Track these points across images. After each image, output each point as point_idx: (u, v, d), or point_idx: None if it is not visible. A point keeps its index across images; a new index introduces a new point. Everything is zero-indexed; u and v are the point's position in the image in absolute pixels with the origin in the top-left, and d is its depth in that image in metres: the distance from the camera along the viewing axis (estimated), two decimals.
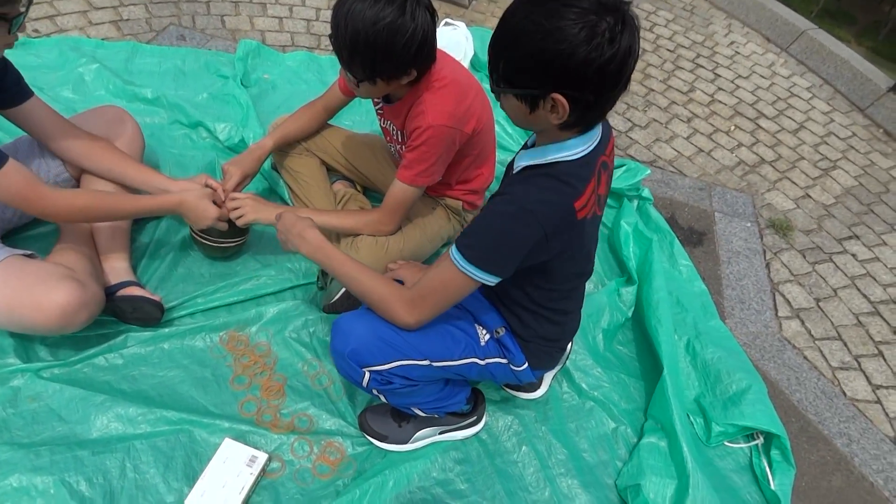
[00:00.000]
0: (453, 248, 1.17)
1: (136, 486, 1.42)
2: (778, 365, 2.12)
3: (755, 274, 2.45)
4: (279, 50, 2.89)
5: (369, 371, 1.27)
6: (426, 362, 1.30)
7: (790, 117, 3.45)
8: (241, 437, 1.53)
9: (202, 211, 1.67)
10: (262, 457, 1.48)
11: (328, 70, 2.82)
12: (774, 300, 2.37)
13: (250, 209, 1.73)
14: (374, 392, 1.34)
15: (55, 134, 1.65)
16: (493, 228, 1.13)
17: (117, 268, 1.72)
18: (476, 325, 1.41)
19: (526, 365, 1.41)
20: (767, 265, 2.53)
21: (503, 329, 1.39)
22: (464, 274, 1.16)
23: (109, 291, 1.65)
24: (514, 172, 1.21)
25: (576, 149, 1.13)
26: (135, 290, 1.67)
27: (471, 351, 1.37)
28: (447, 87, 1.59)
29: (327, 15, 3.18)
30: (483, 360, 1.39)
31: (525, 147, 1.23)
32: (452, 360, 1.34)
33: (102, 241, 1.75)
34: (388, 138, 1.89)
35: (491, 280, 1.17)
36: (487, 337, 1.40)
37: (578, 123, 1.10)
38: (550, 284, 1.31)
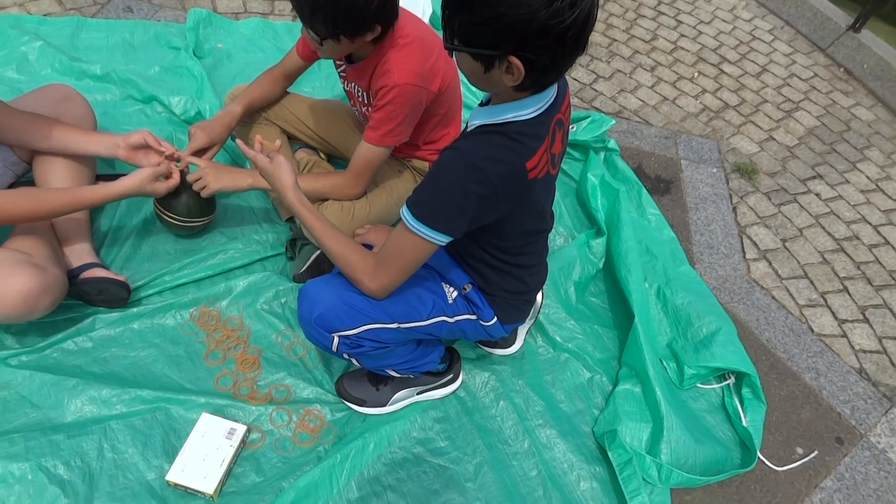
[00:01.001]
0: (404, 207, 1.16)
1: (115, 466, 1.41)
2: (747, 306, 2.16)
3: (722, 219, 2.48)
4: (232, 17, 2.80)
5: (338, 336, 1.27)
6: (394, 325, 1.31)
7: (753, 61, 3.45)
8: (219, 412, 1.53)
9: (149, 192, 1.63)
10: (241, 428, 1.49)
11: (284, 36, 2.74)
12: (742, 243, 2.41)
13: (212, 178, 1.67)
14: (346, 356, 1.34)
15: None
16: (440, 184, 1.12)
17: (79, 250, 1.68)
18: (443, 283, 1.41)
19: (495, 319, 1.42)
20: (734, 209, 2.56)
21: (470, 285, 1.39)
22: (416, 235, 1.15)
23: (72, 274, 1.62)
24: (467, 130, 1.19)
25: (530, 108, 1.12)
26: (99, 272, 1.64)
27: (439, 310, 1.37)
28: (411, 44, 1.55)
29: None
30: (452, 317, 1.39)
31: (481, 105, 1.22)
32: (421, 321, 1.35)
33: (61, 224, 1.70)
34: (353, 101, 1.85)
35: (442, 239, 1.16)
36: (455, 294, 1.40)
37: (534, 86, 1.08)
38: (504, 242, 1.31)
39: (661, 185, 2.59)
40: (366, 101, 1.75)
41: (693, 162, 2.73)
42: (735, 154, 2.84)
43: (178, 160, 1.71)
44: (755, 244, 2.42)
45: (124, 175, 1.90)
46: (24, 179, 1.77)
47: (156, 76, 2.37)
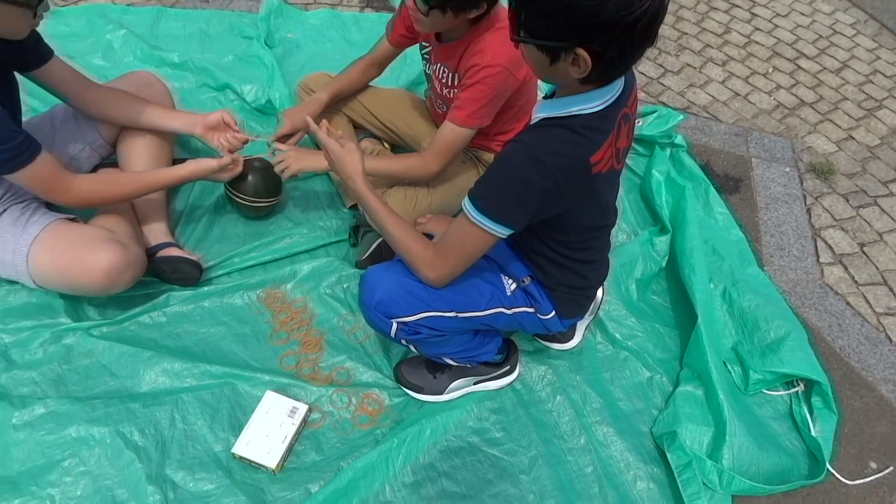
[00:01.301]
0: (466, 199, 1.16)
1: (185, 436, 1.48)
2: (819, 312, 2.08)
3: (795, 220, 2.39)
4: (302, 8, 2.87)
5: (397, 322, 1.30)
6: (452, 314, 1.32)
7: (832, 56, 3.29)
8: (282, 390, 1.58)
9: (213, 178, 1.73)
10: (303, 408, 1.53)
11: (351, 27, 2.79)
12: (816, 246, 2.31)
13: (294, 160, 1.74)
14: (404, 342, 1.36)
15: (77, 90, 1.67)
16: (504, 177, 1.12)
17: (156, 230, 1.77)
18: (502, 274, 1.41)
19: (553, 313, 1.42)
20: (808, 210, 2.46)
21: (529, 278, 1.39)
22: (477, 226, 1.15)
23: (150, 253, 1.70)
24: (532, 123, 1.19)
25: (595, 101, 1.10)
26: (174, 251, 1.72)
27: (497, 301, 1.37)
28: (506, 28, 1.56)
29: None
30: (510, 309, 1.39)
31: (546, 97, 1.21)
32: (479, 312, 1.35)
33: (141, 204, 1.79)
34: (435, 83, 1.85)
35: (503, 231, 1.16)
36: (514, 286, 1.40)
37: (601, 78, 1.07)
38: (566, 237, 1.30)
39: (730, 183, 2.51)
40: (450, 83, 1.75)
41: (765, 160, 2.63)
42: (810, 153, 2.72)
43: (245, 143, 1.82)
44: (830, 248, 2.32)
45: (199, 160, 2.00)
46: (108, 162, 1.87)
47: (229, 65, 2.46)
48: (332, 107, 2.05)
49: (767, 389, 1.80)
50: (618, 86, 1.13)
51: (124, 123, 1.77)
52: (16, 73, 1.54)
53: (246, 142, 1.82)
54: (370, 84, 2.10)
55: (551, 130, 1.12)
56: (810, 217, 2.43)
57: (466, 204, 1.16)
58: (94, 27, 2.46)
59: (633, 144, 2.41)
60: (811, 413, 1.73)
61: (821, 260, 2.26)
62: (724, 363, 1.83)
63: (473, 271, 1.34)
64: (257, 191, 1.83)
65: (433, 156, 1.72)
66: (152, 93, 1.86)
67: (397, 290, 1.29)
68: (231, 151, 1.76)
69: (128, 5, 2.66)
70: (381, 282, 1.30)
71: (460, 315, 1.34)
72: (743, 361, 1.83)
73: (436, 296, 1.30)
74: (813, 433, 1.68)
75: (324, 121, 1.53)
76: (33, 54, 1.55)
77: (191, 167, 1.69)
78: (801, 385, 1.80)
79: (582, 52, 0.98)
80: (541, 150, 1.09)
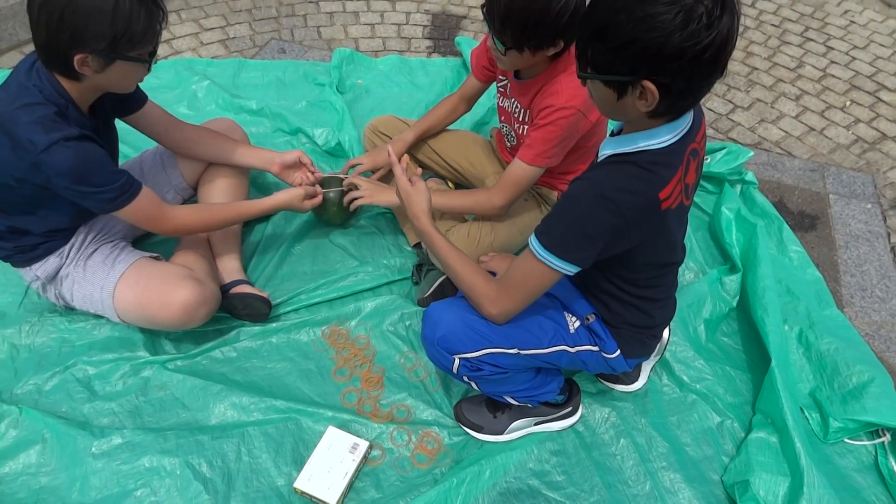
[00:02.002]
0: (532, 236, 1.17)
1: (250, 469, 1.52)
2: None
3: (878, 259, 2.26)
4: (371, 55, 2.99)
5: (459, 358, 1.30)
6: (514, 351, 1.31)
7: None
8: (343, 426, 1.61)
9: (296, 208, 1.84)
10: (364, 444, 1.55)
11: (418, 72, 2.88)
12: None
13: (367, 194, 1.86)
14: (465, 379, 1.37)
15: (167, 128, 1.80)
16: (571, 215, 1.12)
17: (230, 268, 1.86)
18: (565, 312, 1.40)
19: (618, 352, 1.39)
20: (892, 249, 2.33)
21: (593, 316, 1.37)
22: (542, 263, 1.16)
23: (223, 290, 1.78)
24: (597, 160, 1.19)
25: (663, 137, 1.09)
26: (245, 288, 1.80)
27: (559, 339, 1.36)
28: None
29: (417, 18, 3.26)
30: (573, 347, 1.38)
31: (612, 135, 1.21)
32: (541, 349, 1.34)
33: (217, 243, 1.89)
34: (506, 118, 1.90)
35: (570, 269, 1.16)
36: (577, 324, 1.38)
37: (669, 112, 1.06)
38: (633, 274, 1.28)
39: (806, 220, 2.41)
40: (521, 119, 1.79)
41: (843, 197, 2.52)
42: (894, 189, 2.59)
43: (319, 181, 1.96)
44: None
45: None
46: (189, 203, 1.99)
47: (302, 110, 2.58)
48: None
49: (849, 438, 1.69)
50: (686, 120, 1.12)
51: (210, 159, 1.91)
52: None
53: (321, 179, 1.96)
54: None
55: (619, 167, 1.12)
56: (895, 256, 2.29)
57: (533, 241, 1.17)
58: (181, 79, 2.65)
59: (701, 181, 2.37)
60: None
61: None
62: (801, 409, 1.73)
63: (536, 308, 1.34)
64: (332, 219, 2.01)
65: (500, 191, 1.75)
66: (231, 136, 1.98)
67: (460, 325, 1.30)
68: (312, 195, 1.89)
69: (212, 58, 2.85)
70: (443, 317, 1.32)
71: (522, 352, 1.34)
72: (822, 408, 1.73)
73: (498, 332, 1.31)
74: None
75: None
76: (132, 100, 1.70)
77: (279, 197, 1.81)
78: (887, 435, 1.68)
79: (649, 85, 0.98)
80: (609, 187, 1.09)
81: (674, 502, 1.55)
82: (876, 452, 1.68)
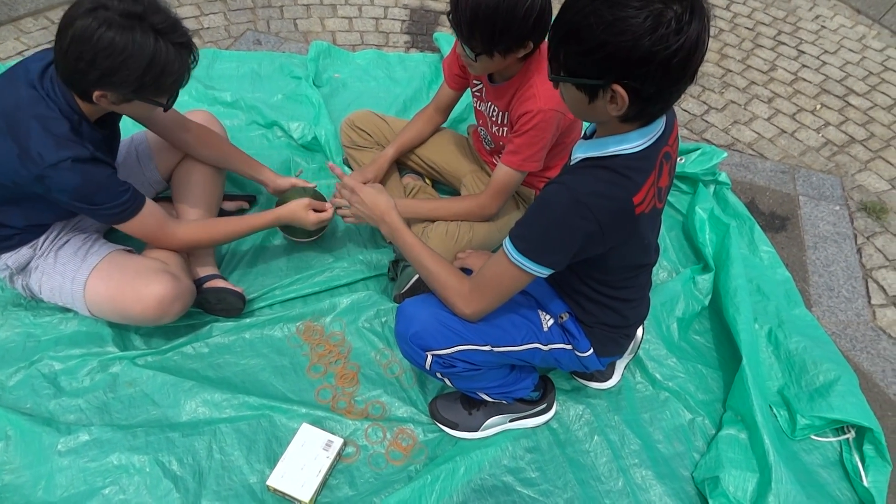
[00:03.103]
0: (506, 240, 1.17)
1: (222, 467, 1.50)
2: (871, 356, 1.99)
3: (845, 259, 2.32)
4: (349, 49, 2.97)
5: (432, 354, 1.30)
6: (487, 348, 1.32)
7: (884, 93, 3.22)
8: (317, 423, 1.59)
9: (302, 221, 1.78)
10: (338, 441, 1.54)
11: (396, 67, 2.86)
12: (867, 287, 2.24)
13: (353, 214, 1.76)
14: (438, 375, 1.36)
15: (175, 125, 1.78)
16: (545, 219, 1.12)
17: (203, 262, 1.82)
18: (539, 310, 1.41)
19: (591, 351, 1.40)
20: (859, 250, 2.38)
21: (567, 315, 1.38)
22: (516, 266, 1.16)
23: (197, 284, 1.75)
24: (571, 164, 1.19)
25: (636, 141, 1.10)
26: (219, 283, 1.77)
27: (533, 337, 1.36)
28: None
29: (396, 13, 3.24)
30: (546, 345, 1.38)
31: (585, 137, 1.21)
32: (514, 346, 1.35)
33: None
34: (483, 122, 1.90)
35: (543, 272, 1.16)
36: (551, 322, 1.39)
37: (640, 116, 1.07)
38: (606, 276, 1.29)
39: (776, 221, 2.45)
40: (498, 122, 1.80)
41: (813, 198, 2.57)
42: (861, 191, 2.65)
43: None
44: (882, 289, 2.23)
45: (250, 196, 2.07)
46: (162, 196, 1.95)
47: (278, 103, 2.55)
48: (376, 144, 2.10)
49: (816, 435, 1.73)
50: (658, 125, 1.13)
51: (210, 163, 1.88)
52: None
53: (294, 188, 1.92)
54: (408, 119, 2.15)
55: (593, 171, 1.12)
56: (861, 257, 2.35)
57: (507, 245, 1.17)
58: None
59: (675, 182, 2.40)
60: (863, 461, 1.65)
61: (872, 301, 2.18)
62: (770, 407, 1.76)
63: (510, 306, 1.34)
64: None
65: (490, 198, 1.79)
66: (211, 130, 1.94)
67: (433, 322, 1.30)
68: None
69: None
70: (417, 314, 1.32)
71: (496, 349, 1.34)
72: (790, 405, 1.76)
73: (471, 329, 1.31)
74: (865, 483, 1.60)
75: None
76: None
77: (283, 209, 1.77)
78: (852, 432, 1.72)
79: (619, 89, 0.99)
80: (583, 192, 1.09)
81: (645, 499, 1.57)
82: (841, 449, 1.72)
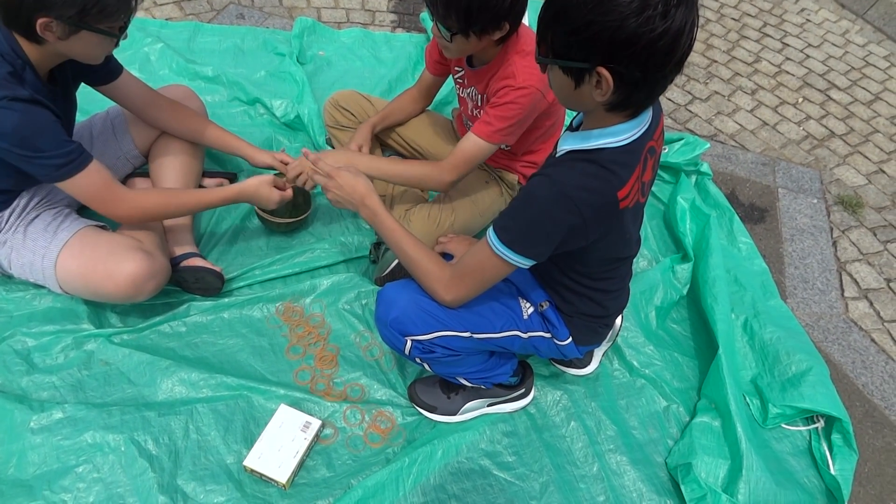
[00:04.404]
0: (490, 230, 1.17)
1: (198, 447, 1.49)
2: (843, 347, 2.04)
3: (820, 252, 2.35)
4: (334, 27, 2.92)
5: (411, 340, 1.30)
6: (467, 334, 1.32)
7: (865, 88, 3.26)
8: (296, 404, 1.59)
9: (264, 199, 1.72)
10: (316, 423, 1.54)
11: (382, 46, 2.83)
12: (841, 280, 2.28)
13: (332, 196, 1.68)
14: (418, 360, 1.37)
15: (144, 104, 1.73)
16: (530, 211, 1.12)
17: (181, 240, 1.79)
18: (520, 298, 1.41)
19: (570, 339, 1.41)
20: (834, 243, 2.42)
21: (547, 303, 1.39)
22: (499, 256, 1.16)
23: (174, 262, 1.73)
24: (556, 155, 1.19)
25: (622, 135, 1.10)
26: (197, 262, 1.74)
27: (512, 324, 1.37)
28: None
29: None
30: (526, 333, 1.39)
31: (570, 129, 1.21)
32: (494, 333, 1.35)
33: None
34: (465, 108, 1.88)
35: (525, 263, 1.17)
36: (531, 310, 1.40)
37: (625, 105, 1.06)
38: (587, 268, 1.30)
39: (755, 213, 2.48)
40: (480, 105, 1.77)
41: (791, 191, 2.60)
42: (839, 185, 2.69)
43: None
44: (856, 282, 2.28)
45: (231, 173, 2.03)
46: (140, 172, 1.92)
47: (261, 80, 2.50)
48: (359, 124, 2.08)
49: (786, 424, 1.77)
50: (645, 119, 1.12)
51: (185, 138, 1.83)
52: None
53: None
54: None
55: (578, 165, 1.12)
56: (836, 250, 2.39)
57: (491, 235, 1.17)
58: (133, 40, 2.53)
59: (658, 171, 2.41)
60: (830, 450, 1.69)
61: (845, 294, 2.22)
62: (744, 396, 1.79)
63: (491, 293, 1.34)
64: (285, 207, 1.86)
65: (450, 166, 1.70)
66: (189, 106, 1.90)
67: (413, 307, 1.30)
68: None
69: (166, 20, 2.73)
70: (397, 299, 1.31)
71: (475, 336, 1.34)
72: (762, 394, 1.79)
73: (451, 315, 1.31)
74: (832, 471, 1.64)
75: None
76: (105, 71, 1.61)
77: (244, 185, 1.70)
78: (822, 421, 1.76)
79: (604, 72, 0.98)
80: (569, 185, 1.09)
81: (619, 483, 1.60)
82: (810, 437, 1.76)
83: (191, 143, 1.85)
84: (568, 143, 1.16)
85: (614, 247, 1.27)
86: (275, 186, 1.72)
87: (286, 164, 1.78)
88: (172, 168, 1.82)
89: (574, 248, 1.19)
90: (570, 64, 1.02)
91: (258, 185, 1.70)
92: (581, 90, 1.05)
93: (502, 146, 1.81)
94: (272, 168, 1.83)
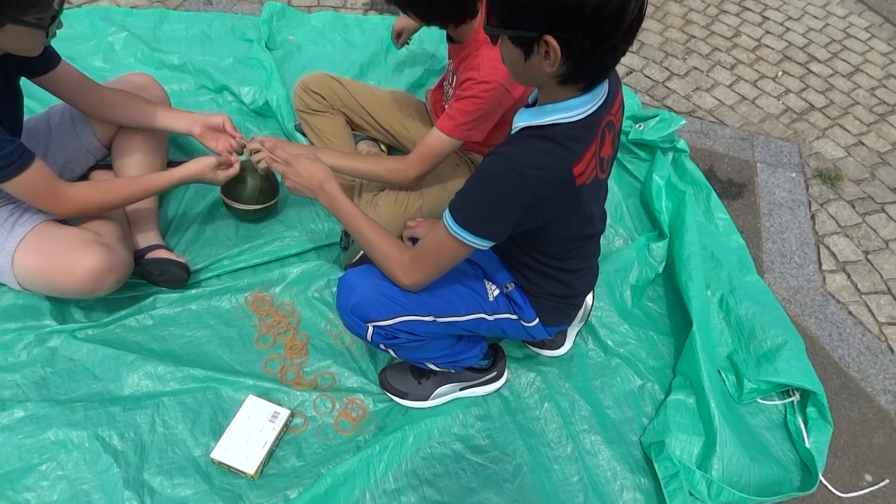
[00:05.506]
0: (446, 211, 1.15)
1: (165, 441, 1.47)
2: (819, 320, 2.03)
3: (798, 226, 2.34)
4: (304, 10, 2.87)
5: (373, 325, 1.28)
6: (430, 318, 1.30)
7: (845, 60, 3.23)
8: (265, 395, 1.57)
9: (209, 180, 1.68)
10: (285, 413, 1.52)
11: (354, 29, 2.78)
12: (819, 253, 2.26)
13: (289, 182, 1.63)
14: (382, 346, 1.35)
15: (82, 94, 1.67)
16: (484, 191, 1.10)
17: (146, 231, 1.77)
18: (485, 280, 1.39)
19: (537, 320, 1.39)
20: (812, 217, 2.41)
21: (512, 284, 1.37)
22: (455, 238, 1.14)
23: (138, 255, 1.70)
24: (512, 132, 1.16)
25: (576, 109, 1.07)
26: (161, 253, 1.72)
27: (477, 306, 1.35)
28: None
29: None
30: (491, 315, 1.37)
31: (526, 106, 1.18)
32: (458, 316, 1.33)
33: (131, 206, 1.79)
34: (447, 78, 1.85)
35: (483, 244, 1.14)
36: (496, 292, 1.38)
37: (577, 77, 1.03)
38: (549, 248, 1.28)
39: (733, 188, 2.46)
40: (451, 83, 1.75)
41: (770, 165, 2.58)
42: (818, 159, 2.67)
43: (243, 147, 1.77)
44: (833, 255, 2.26)
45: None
46: (103, 164, 1.88)
47: (229, 67, 2.46)
48: (330, 107, 2.04)
49: (761, 398, 1.76)
50: (600, 92, 1.10)
51: (129, 124, 1.77)
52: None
53: (244, 147, 1.80)
54: (368, 84, 2.09)
55: (533, 142, 1.09)
56: (814, 223, 2.38)
57: (447, 216, 1.15)
58: (97, 29, 2.48)
59: (633, 149, 2.39)
60: (805, 423, 1.69)
61: (823, 267, 2.21)
62: (719, 372, 1.79)
63: (454, 275, 1.32)
64: (252, 194, 1.83)
65: (415, 161, 1.69)
66: (148, 95, 1.85)
67: (374, 293, 1.28)
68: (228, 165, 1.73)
69: (131, 8, 2.68)
70: (357, 285, 1.29)
71: (439, 319, 1.32)
72: (738, 370, 1.79)
73: (414, 299, 1.29)
74: (806, 444, 1.64)
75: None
76: (40, 62, 1.56)
77: (189, 168, 1.65)
78: (797, 395, 1.75)
79: (552, 41, 0.95)
80: (522, 162, 1.06)
81: (593, 463, 1.59)
82: (785, 411, 1.75)
83: (153, 132, 1.81)
84: (522, 119, 1.13)
85: (576, 225, 1.25)
86: (220, 164, 1.68)
87: (215, 128, 1.74)
88: (134, 158, 1.78)
89: (534, 228, 1.17)
90: (518, 33, 1.00)
91: (203, 167, 1.65)
92: (531, 62, 1.02)
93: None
94: (191, 134, 1.77)
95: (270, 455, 1.48)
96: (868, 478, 1.67)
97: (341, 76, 2.11)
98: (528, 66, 1.03)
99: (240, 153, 1.75)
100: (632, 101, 2.60)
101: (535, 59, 1.01)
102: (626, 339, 1.82)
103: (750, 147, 2.66)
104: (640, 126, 2.38)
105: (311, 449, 1.52)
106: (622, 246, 2.10)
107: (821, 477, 1.59)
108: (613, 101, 1.16)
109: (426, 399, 1.61)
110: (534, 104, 1.16)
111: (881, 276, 2.20)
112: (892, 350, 1.98)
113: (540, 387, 1.70)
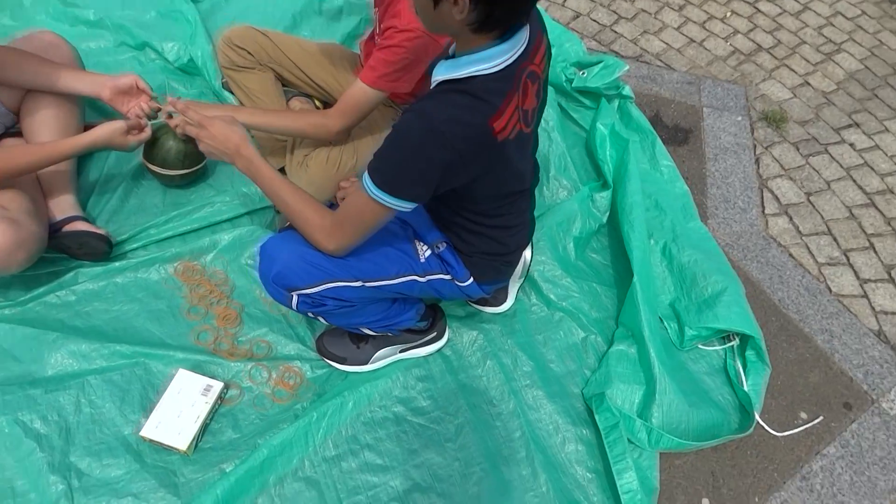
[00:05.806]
0: (364, 173, 1.09)
1: (91, 421, 1.42)
2: (761, 264, 2.04)
3: (743, 170, 2.33)
4: None
5: (297, 294, 1.23)
6: (358, 283, 1.25)
7: None
8: (197, 368, 1.52)
9: (118, 145, 1.59)
10: (217, 385, 1.48)
11: None
12: (762, 197, 2.27)
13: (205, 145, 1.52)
14: (310, 314, 1.30)
15: None
16: (401, 151, 1.04)
17: (62, 202, 1.67)
18: (416, 241, 1.35)
19: (472, 280, 1.36)
20: (757, 160, 2.40)
21: (444, 244, 1.33)
22: (375, 201, 1.08)
23: (54, 227, 1.61)
24: (431, 86, 1.10)
25: (494, 60, 1.02)
26: (80, 225, 1.62)
27: (408, 268, 1.31)
28: None
29: None
30: (424, 276, 1.33)
31: (445, 58, 1.12)
32: (388, 280, 1.29)
33: (46, 176, 1.68)
34: (377, 30, 1.74)
35: (404, 206, 1.09)
36: (428, 253, 1.34)
37: (490, 24, 0.98)
38: (478, 206, 1.23)
39: (679, 134, 2.44)
40: (377, 33, 1.66)
41: (716, 109, 2.56)
42: (764, 101, 2.65)
43: (158, 111, 1.67)
44: (776, 198, 2.27)
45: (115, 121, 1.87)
46: (13, 131, 1.76)
47: (150, 22, 2.31)
48: (258, 63, 1.93)
49: (702, 344, 1.78)
50: (519, 41, 1.04)
51: (24, 86, 1.65)
52: None
53: (159, 110, 1.70)
54: (299, 37, 1.98)
55: (449, 96, 1.04)
56: (759, 167, 2.37)
57: (365, 178, 1.09)
58: None
59: (578, 96, 2.33)
60: (744, 367, 1.71)
61: (766, 211, 2.22)
62: (661, 320, 1.79)
63: (383, 237, 1.27)
64: (176, 158, 1.73)
65: (337, 114, 1.61)
66: (55, 55, 1.73)
67: (296, 260, 1.22)
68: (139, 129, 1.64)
69: None
70: (278, 253, 1.23)
71: (367, 284, 1.28)
72: (679, 318, 1.80)
73: (339, 265, 1.24)
74: (744, 387, 1.66)
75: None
76: None
77: (96, 133, 1.56)
78: (736, 339, 1.77)
79: None
80: (438, 119, 1.01)
81: (535, 418, 1.59)
82: (725, 356, 1.77)
83: (63, 94, 1.69)
84: (441, 73, 1.07)
85: (502, 181, 1.20)
86: (131, 128, 1.59)
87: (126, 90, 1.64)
88: (45, 123, 1.67)
89: (458, 186, 1.12)
90: None
91: (112, 131, 1.56)
92: (440, 10, 0.97)
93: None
94: (99, 98, 1.67)
95: (204, 429, 1.45)
96: (803, 416, 1.71)
97: (269, 29, 1.99)
98: (438, 14, 0.98)
99: (156, 117, 1.65)
100: (577, 47, 2.52)
101: (445, 7, 0.96)
102: (568, 293, 1.81)
103: (697, 91, 2.63)
104: (583, 73, 2.32)
105: (247, 420, 1.49)
106: (565, 198, 2.06)
107: (757, 418, 1.63)
108: (536, 50, 1.11)
109: (365, 363, 1.59)
110: (452, 56, 1.09)
111: (822, 218, 2.22)
112: (829, 290, 2.01)
113: (482, 344, 1.69)
